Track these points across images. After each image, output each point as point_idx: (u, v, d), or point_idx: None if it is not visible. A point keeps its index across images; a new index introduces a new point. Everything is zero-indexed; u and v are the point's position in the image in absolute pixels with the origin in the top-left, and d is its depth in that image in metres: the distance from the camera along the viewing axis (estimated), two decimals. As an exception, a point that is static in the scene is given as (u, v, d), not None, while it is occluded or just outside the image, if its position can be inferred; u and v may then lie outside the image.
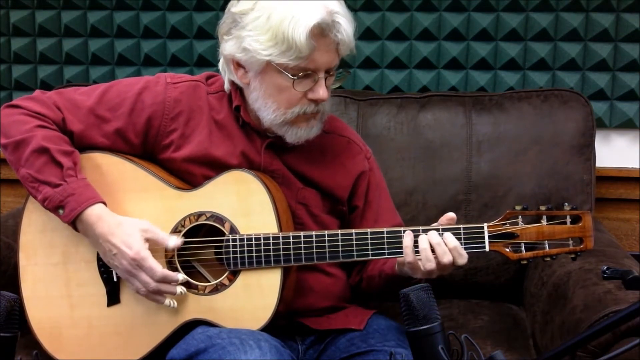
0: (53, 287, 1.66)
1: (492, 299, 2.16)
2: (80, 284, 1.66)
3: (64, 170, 1.58)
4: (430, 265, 1.51)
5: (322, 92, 1.58)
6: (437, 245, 1.51)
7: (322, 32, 1.52)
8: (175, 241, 1.59)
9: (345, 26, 1.55)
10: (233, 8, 1.59)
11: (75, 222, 1.58)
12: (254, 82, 1.61)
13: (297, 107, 1.59)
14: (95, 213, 1.57)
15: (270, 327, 1.57)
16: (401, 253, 1.55)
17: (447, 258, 1.51)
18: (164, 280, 1.57)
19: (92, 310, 1.65)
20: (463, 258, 1.52)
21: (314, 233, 1.59)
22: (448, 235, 1.52)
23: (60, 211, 1.58)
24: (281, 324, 1.62)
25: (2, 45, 2.54)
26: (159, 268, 1.56)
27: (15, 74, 2.55)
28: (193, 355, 1.51)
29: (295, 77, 1.55)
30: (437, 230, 1.53)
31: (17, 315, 1.25)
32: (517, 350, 1.84)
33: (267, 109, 1.61)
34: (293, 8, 1.51)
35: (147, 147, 1.69)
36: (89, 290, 1.65)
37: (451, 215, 1.57)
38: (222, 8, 2.40)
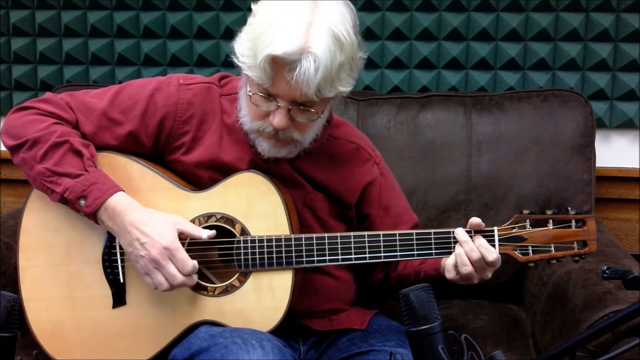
0: (55, 288, 1.65)
1: (492, 299, 2.16)
2: (84, 286, 1.64)
3: (84, 159, 1.57)
4: (467, 269, 1.54)
5: (276, 120, 1.51)
6: (464, 243, 1.54)
7: (280, 64, 1.45)
8: (208, 232, 1.57)
9: (311, 72, 1.43)
10: (253, 3, 1.56)
11: (96, 212, 1.56)
12: (241, 81, 1.61)
13: (259, 123, 1.57)
14: (124, 201, 1.56)
15: (276, 327, 1.57)
16: (413, 255, 1.58)
17: (475, 254, 1.53)
18: (191, 274, 1.55)
19: (97, 312, 1.64)
20: (491, 253, 1.54)
21: (326, 235, 1.59)
22: (477, 237, 1.56)
23: (82, 202, 1.55)
24: (283, 325, 1.61)
25: (2, 45, 2.54)
26: (190, 261, 1.54)
27: (15, 74, 2.55)
28: (195, 354, 1.51)
29: (250, 94, 1.53)
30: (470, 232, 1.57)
31: (17, 315, 1.25)
32: (517, 350, 1.84)
33: (242, 110, 1.61)
34: (275, 29, 1.45)
35: (158, 148, 1.67)
36: (93, 291, 1.64)
37: (477, 221, 1.57)
38: (222, 8, 2.42)
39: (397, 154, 2.17)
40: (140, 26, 2.47)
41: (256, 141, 1.61)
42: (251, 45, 1.48)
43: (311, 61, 1.43)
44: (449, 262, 1.57)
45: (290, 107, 1.51)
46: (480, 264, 1.54)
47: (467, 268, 1.54)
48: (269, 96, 1.51)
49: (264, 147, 1.60)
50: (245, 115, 1.59)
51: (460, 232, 1.56)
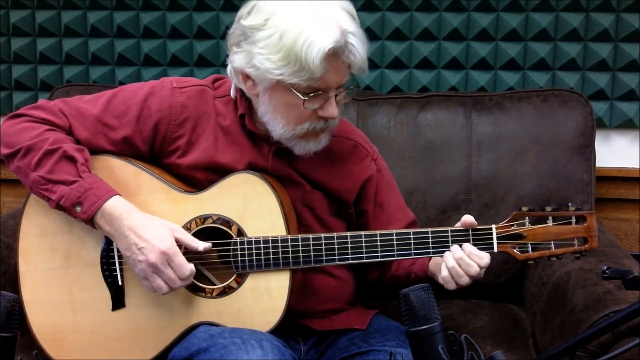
0: (55, 291, 1.65)
1: (492, 299, 2.16)
2: (83, 289, 1.64)
3: (77, 165, 1.56)
4: (464, 280, 1.54)
5: (332, 110, 1.55)
6: (460, 260, 1.54)
7: (334, 54, 1.48)
8: (204, 245, 1.57)
9: (358, 47, 1.51)
10: (243, 20, 1.54)
11: (93, 217, 1.56)
12: (263, 97, 1.58)
13: (307, 124, 1.57)
14: (121, 205, 1.55)
15: (274, 328, 1.57)
16: (410, 254, 1.58)
17: (473, 269, 1.53)
18: (189, 279, 1.55)
19: (96, 315, 1.64)
20: (482, 259, 1.54)
21: (322, 235, 1.58)
22: (466, 246, 1.54)
23: (78, 208, 1.55)
24: (283, 325, 1.61)
25: (2, 45, 2.54)
26: (188, 266, 1.54)
27: (15, 74, 2.55)
28: (194, 354, 1.51)
29: (305, 98, 1.52)
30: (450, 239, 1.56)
31: (17, 315, 1.25)
32: (517, 350, 1.84)
33: (276, 123, 1.58)
34: (306, 28, 1.46)
35: (154, 152, 1.67)
36: (93, 294, 1.64)
37: (471, 220, 1.57)
38: (222, 8, 2.42)
39: (397, 154, 2.17)
40: (140, 26, 2.47)
41: (297, 145, 1.60)
42: (285, 55, 1.47)
43: (353, 38, 1.51)
44: (443, 273, 1.56)
45: (336, 93, 1.55)
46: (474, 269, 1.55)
47: (464, 279, 1.54)
48: (316, 93, 1.52)
49: (309, 146, 1.60)
50: (287, 124, 1.57)
51: (449, 255, 1.55)
